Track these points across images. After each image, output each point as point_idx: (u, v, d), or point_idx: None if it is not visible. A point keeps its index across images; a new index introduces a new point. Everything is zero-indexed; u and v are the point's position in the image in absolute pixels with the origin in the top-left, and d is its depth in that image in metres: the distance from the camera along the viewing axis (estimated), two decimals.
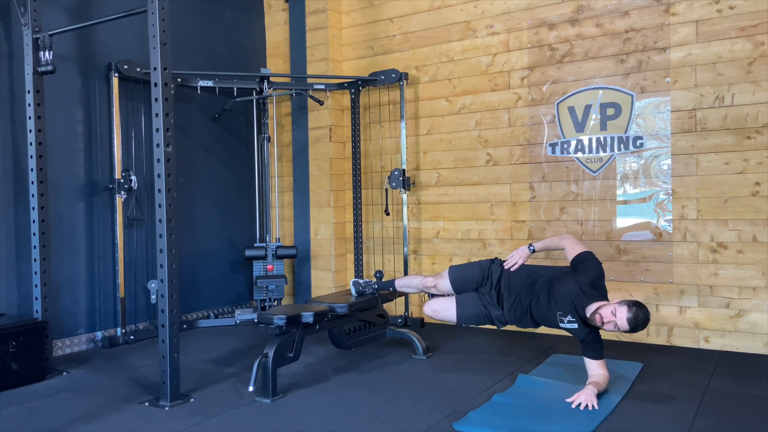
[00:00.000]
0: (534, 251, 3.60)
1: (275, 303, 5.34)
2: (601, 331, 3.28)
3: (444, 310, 3.61)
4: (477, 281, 3.63)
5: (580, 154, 4.58)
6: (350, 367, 3.88)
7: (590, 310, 3.17)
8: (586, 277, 3.30)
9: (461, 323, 3.61)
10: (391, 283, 4.08)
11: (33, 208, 3.91)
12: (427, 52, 5.20)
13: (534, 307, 3.41)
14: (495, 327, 3.66)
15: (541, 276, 3.47)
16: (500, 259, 3.68)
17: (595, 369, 3.25)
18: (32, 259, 3.93)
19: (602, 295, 3.29)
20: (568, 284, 3.32)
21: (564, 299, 3.29)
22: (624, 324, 3.05)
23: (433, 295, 3.85)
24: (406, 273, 5.09)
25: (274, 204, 5.63)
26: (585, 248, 3.45)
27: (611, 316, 3.07)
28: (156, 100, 3.21)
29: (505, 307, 3.50)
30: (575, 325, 3.25)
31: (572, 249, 3.45)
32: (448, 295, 3.78)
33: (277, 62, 5.87)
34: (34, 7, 3.84)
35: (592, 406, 3.00)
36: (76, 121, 4.46)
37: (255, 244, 5.46)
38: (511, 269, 3.56)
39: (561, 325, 3.30)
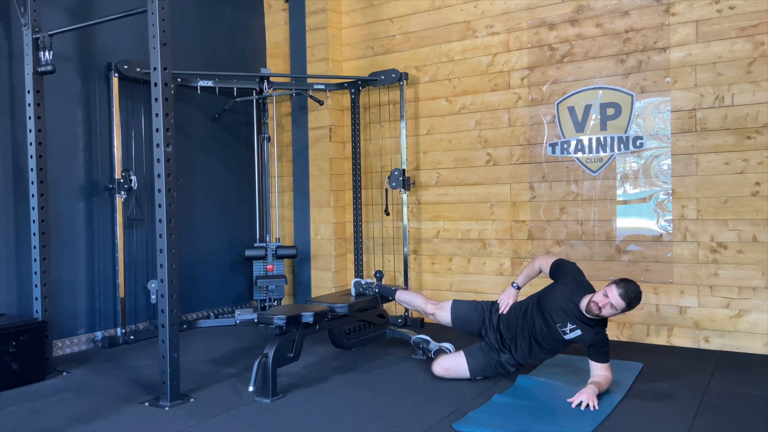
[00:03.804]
0: (518, 288, 3.66)
1: (275, 303, 5.34)
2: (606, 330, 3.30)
3: (455, 365, 3.57)
4: (477, 323, 3.65)
5: (580, 154, 4.58)
6: (350, 367, 3.88)
7: (583, 303, 3.22)
8: (567, 277, 3.40)
9: (474, 376, 3.55)
10: (393, 292, 4.09)
11: (33, 208, 3.91)
12: (427, 52, 5.20)
13: (535, 333, 3.42)
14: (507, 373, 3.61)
15: (529, 303, 3.53)
16: (498, 303, 3.69)
17: (599, 370, 3.25)
18: (32, 259, 3.93)
19: (588, 290, 3.34)
20: (554, 292, 3.39)
21: (556, 308, 3.32)
22: (619, 301, 3.10)
23: (435, 354, 3.78)
24: (406, 273, 5.09)
25: (274, 204, 5.63)
26: (556, 257, 3.57)
27: (604, 298, 3.13)
28: (156, 100, 3.21)
29: (512, 349, 3.52)
30: (579, 332, 3.26)
31: (546, 264, 3.56)
32: (447, 350, 3.79)
33: (277, 62, 5.87)
34: (34, 7, 3.84)
35: (593, 406, 3.00)
36: (76, 121, 4.46)
37: (255, 244, 5.46)
38: (504, 311, 3.60)
39: (566, 337, 3.30)
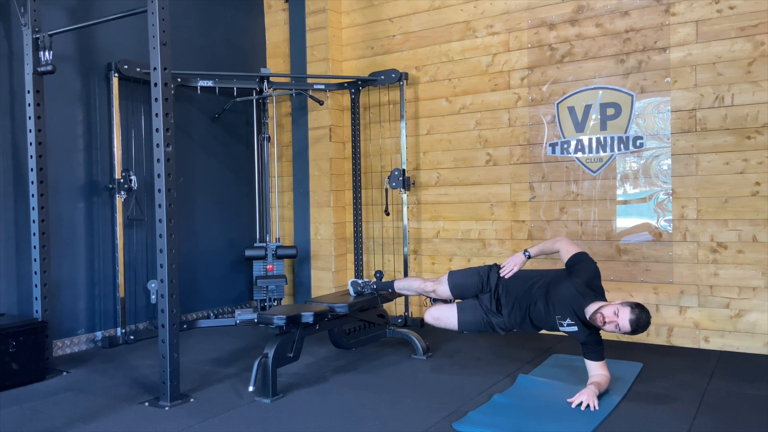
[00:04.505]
0: (529, 257, 3.61)
1: (275, 303, 5.34)
2: (600, 332, 3.28)
3: (445, 317, 3.60)
4: (476, 288, 3.64)
5: (580, 154, 4.58)
6: (350, 367, 3.88)
7: (590, 310, 3.18)
8: (582, 277, 3.31)
9: (462, 330, 3.60)
10: (390, 284, 4.08)
11: (33, 208, 3.91)
12: (427, 52, 5.20)
13: (532, 312, 3.42)
14: (497, 334, 3.65)
15: (537, 280, 3.48)
16: (499, 265, 3.67)
17: (596, 369, 3.25)
18: (32, 259, 3.93)
19: (600, 295, 3.29)
20: (564, 287, 3.33)
21: (562, 302, 3.30)
22: (626, 325, 3.05)
23: (434, 301, 3.84)
24: (406, 273, 5.09)
25: (274, 204, 5.63)
26: (579, 249, 3.47)
27: (614, 316, 3.07)
28: (156, 100, 3.21)
29: (504, 313, 3.51)
30: (575, 328, 3.25)
31: (567, 251, 3.47)
32: (449, 301, 3.79)
33: (277, 62, 5.87)
34: (34, 7, 3.84)
35: (593, 406, 3.00)
36: (76, 121, 4.46)
37: (255, 244, 5.46)
38: (507, 276, 3.57)
39: (561, 328, 3.31)
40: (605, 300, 3.27)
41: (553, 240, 3.63)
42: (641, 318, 3.06)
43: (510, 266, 3.59)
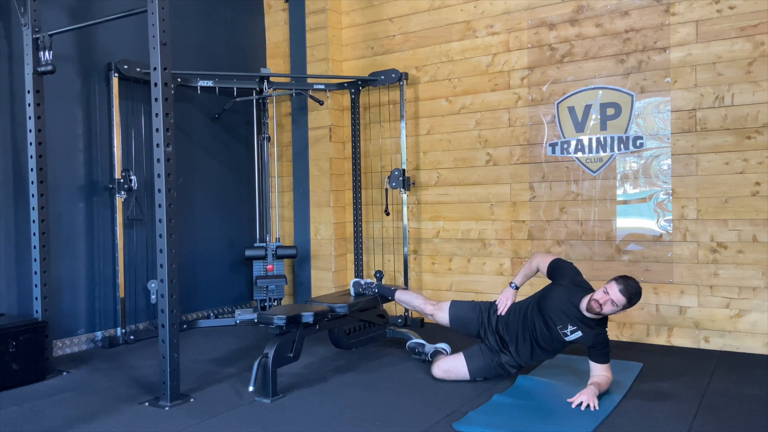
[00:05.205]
0: (517, 288, 3.64)
1: (275, 303, 5.34)
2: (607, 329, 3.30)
3: (455, 368, 3.55)
4: (475, 323, 3.64)
5: (580, 154, 4.58)
6: (350, 367, 3.88)
7: (583, 303, 3.21)
8: (565, 278, 3.37)
9: (475, 378, 3.54)
10: (392, 292, 4.08)
11: (33, 208, 3.91)
12: (427, 52, 5.20)
13: (536, 336, 3.40)
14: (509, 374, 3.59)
15: (529, 304, 3.50)
16: (496, 303, 3.67)
17: (599, 371, 3.25)
18: (32, 259, 3.93)
19: (588, 290, 3.32)
20: (553, 294, 3.37)
21: (557, 310, 3.30)
22: (620, 297, 3.09)
23: (432, 357, 3.78)
24: (406, 273, 5.09)
25: (274, 204, 5.63)
26: (553, 257, 3.54)
27: (605, 295, 3.11)
28: (156, 100, 3.21)
29: (512, 350, 3.50)
30: (580, 333, 3.25)
31: (543, 263, 3.53)
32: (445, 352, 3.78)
33: (277, 62, 5.87)
34: (34, 7, 3.84)
35: (593, 406, 3.00)
36: (76, 121, 4.46)
37: (255, 244, 5.46)
38: (502, 313, 3.58)
39: (567, 339, 3.29)
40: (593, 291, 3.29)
41: (529, 262, 3.66)
42: (629, 285, 3.11)
43: (503, 302, 3.61)
